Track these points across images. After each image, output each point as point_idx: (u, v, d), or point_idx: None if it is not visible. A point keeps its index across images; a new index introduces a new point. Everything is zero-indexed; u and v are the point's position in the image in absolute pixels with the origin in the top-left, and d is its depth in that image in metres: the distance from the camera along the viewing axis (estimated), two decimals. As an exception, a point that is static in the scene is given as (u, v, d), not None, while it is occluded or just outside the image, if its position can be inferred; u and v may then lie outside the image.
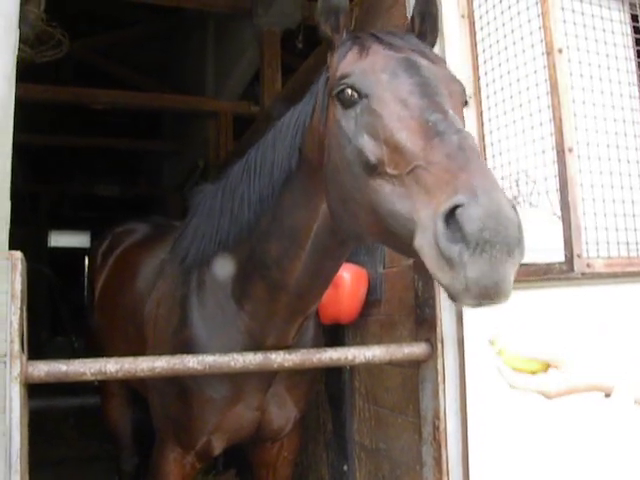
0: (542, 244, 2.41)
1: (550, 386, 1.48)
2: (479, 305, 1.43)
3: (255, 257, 2.30)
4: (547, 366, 1.50)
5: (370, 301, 2.99)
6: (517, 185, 2.40)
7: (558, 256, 2.26)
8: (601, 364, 1.49)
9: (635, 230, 2.47)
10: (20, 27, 2.08)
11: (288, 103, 2.28)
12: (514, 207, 1.38)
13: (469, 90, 2.50)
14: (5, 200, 1.92)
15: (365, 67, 1.74)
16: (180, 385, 2.49)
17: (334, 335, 3.25)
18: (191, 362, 2.10)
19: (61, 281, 10.69)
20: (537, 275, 2.32)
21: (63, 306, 10.20)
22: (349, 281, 2.88)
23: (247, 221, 2.29)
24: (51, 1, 5.19)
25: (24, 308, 1.90)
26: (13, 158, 1.97)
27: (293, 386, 2.65)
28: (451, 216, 1.35)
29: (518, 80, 2.43)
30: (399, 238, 1.58)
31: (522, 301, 2.40)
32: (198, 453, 2.64)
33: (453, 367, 2.38)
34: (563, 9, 2.41)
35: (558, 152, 2.25)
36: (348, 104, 1.74)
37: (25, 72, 2.50)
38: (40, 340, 10.24)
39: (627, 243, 2.43)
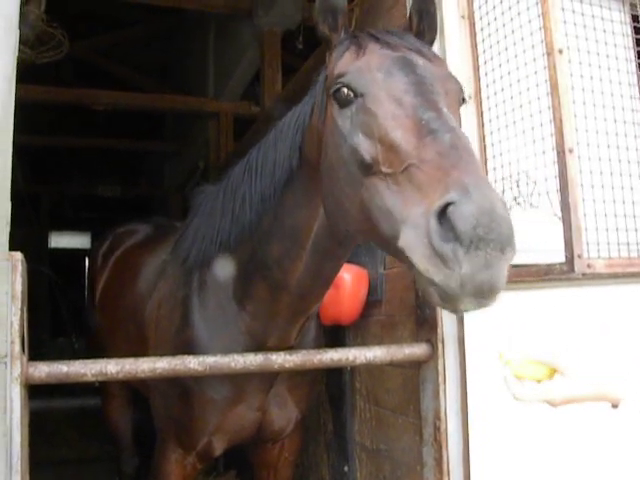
0: (543, 245, 2.41)
1: (555, 394, 1.46)
2: (467, 307, 1.42)
3: (256, 257, 2.30)
4: (553, 372, 1.49)
5: (371, 302, 2.99)
6: (517, 186, 2.40)
7: (559, 257, 2.26)
8: (606, 370, 1.48)
9: (636, 230, 2.47)
10: (20, 28, 2.08)
11: (289, 104, 2.28)
12: (505, 204, 1.38)
13: (469, 91, 2.51)
14: (6, 201, 1.92)
15: (361, 66, 1.74)
16: (181, 386, 2.49)
17: (335, 336, 3.25)
18: (192, 363, 2.10)
19: (62, 282, 10.67)
20: (538, 276, 2.32)
21: (64, 307, 10.18)
22: (350, 282, 2.88)
23: (249, 221, 2.29)
24: (51, 2, 5.19)
25: (25, 309, 1.90)
26: (13, 159, 1.97)
27: (294, 387, 2.65)
28: (443, 214, 1.34)
29: (518, 81, 2.43)
30: (392, 238, 1.56)
31: (523, 302, 2.41)
32: (199, 454, 2.64)
33: (454, 368, 2.38)
34: (563, 10, 2.41)
35: (558, 153, 2.25)
36: (344, 103, 1.74)
37: (25, 73, 2.50)
38: (41, 341, 10.23)
39: (627, 244, 2.43)
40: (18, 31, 2.06)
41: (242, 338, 2.42)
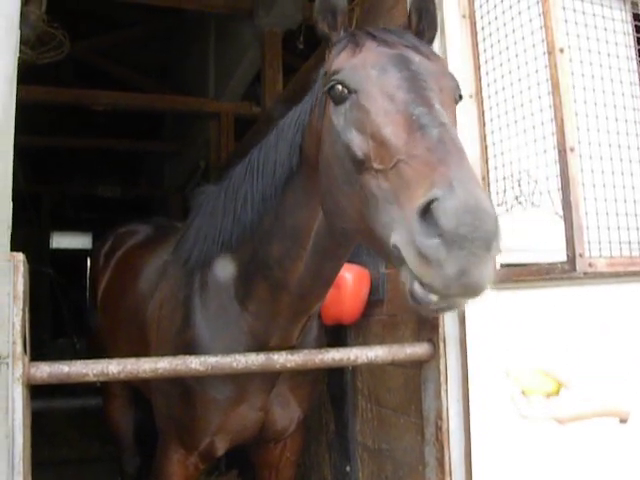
0: (544, 244, 2.41)
1: (563, 412, 1.44)
2: (449, 305, 1.41)
3: (258, 258, 2.30)
4: (560, 386, 1.47)
5: (372, 301, 2.99)
6: (519, 185, 2.40)
7: (560, 256, 2.26)
8: (613, 382, 1.46)
9: (637, 229, 2.47)
10: (21, 28, 2.08)
11: (289, 104, 2.28)
12: (490, 199, 1.36)
13: (470, 90, 2.50)
14: (7, 202, 1.92)
15: (356, 63, 1.74)
16: (183, 386, 2.49)
17: (336, 335, 3.25)
18: (193, 363, 2.10)
19: (63, 282, 10.69)
20: (539, 275, 2.32)
21: (65, 307, 10.20)
22: (351, 281, 2.88)
23: (250, 221, 2.29)
24: (52, 2, 5.19)
25: (26, 309, 1.90)
26: (14, 159, 1.97)
27: (296, 386, 2.65)
28: (428, 210, 1.33)
29: (519, 80, 2.43)
30: (385, 237, 1.54)
31: (524, 301, 2.41)
32: (201, 454, 2.64)
33: (455, 367, 2.37)
34: (564, 8, 2.41)
35: (560, 152, 2.25)
36: (339, 100, 1.74)
37: (25, 73, 2.50)
38: (42, 341, 10.24)
39: (629, 242, 2.43)
40: (19, 31, 2.06)
41: (244, 338, 2.41)
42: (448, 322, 2.38)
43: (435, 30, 2.00)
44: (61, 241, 17.09)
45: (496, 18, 2.49)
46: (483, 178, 2.46)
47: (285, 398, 2.63)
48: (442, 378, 2.37)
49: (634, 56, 2.74)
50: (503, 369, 1.56)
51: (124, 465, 4.33)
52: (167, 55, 10.45)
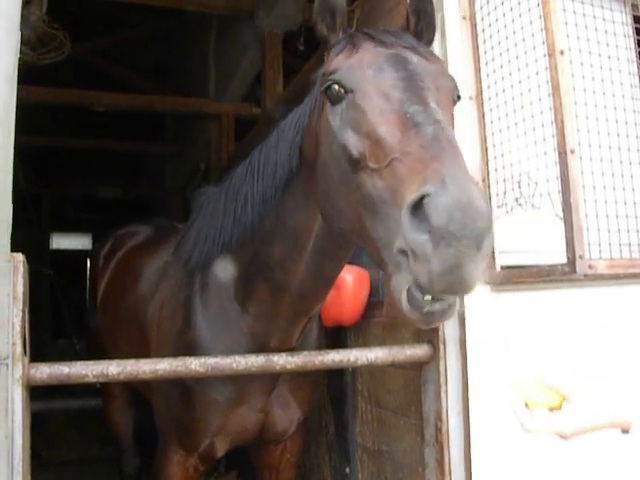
0: (544, 246, 2.41)
1: (566, 426, 1.42)
2: (442, 309, 1.42)
3: (258, 259, 2.29)
4: (563, 399, 1.46)
5: (372, 303, 2.98)
6: (519, 187, 2.40)
7: (560, 258, 2.26)
8: (614, 392, 1.44)
9: (637, 231, 2.47)
10: (22, 29, 2.08)
11: (290, 105, 2.28)
12: (484, 196, 1.35)
13: (471, 92, 2.50)
14: (8, 202, 1.92)
15: (352, 63, 1.74)
16: (183, 387, 2.49)
17: (336, 337, 3.24)
18: (193, 364, 2.09)
19: (63, 283, 10.68)
20: (539, 277, 2.32)
21: (65, 308, 10.19)
22: (351, 283, 2.88)
23: (250, 223, 2.29)
24: (52, 2, 5.20)
25: (26, 310, 1.90)
26: (15, 160, 1.97)
27: (296, 388, 2.64)
28: (419, 206, 1.33)
29: (520, 82, 2.43)
30: (382, 236, 1.54)
31: (524, 302, 2.41)
32: (201, 455, 2.64)
33: (455, 369, 2.37)
34: (565, 11, 2.41)
35: (560, 154, 2.25)
36: (335, 100, 1.75)
37: (26, 74, 2.50)
38: (42, 342, 10.23)
39: (629, 244, 2.43)
40: (20, 32, 2.06)
41: (244, 339, 2.41)
42: (448, 324, 2.38)
43: (433, 31, 2.00)
44: (61, 242, 17.09)
45: (497, 20, 2.49)
46: (483, 180, 2.46)
47: (285, 399, 2.63)
48: (442, 379, 2.37)
49: (634, 58, 2.74)
50: (505, 378, 1.55)
51: (124, 466, 4.33)
52: (167, 56, 10.47)
